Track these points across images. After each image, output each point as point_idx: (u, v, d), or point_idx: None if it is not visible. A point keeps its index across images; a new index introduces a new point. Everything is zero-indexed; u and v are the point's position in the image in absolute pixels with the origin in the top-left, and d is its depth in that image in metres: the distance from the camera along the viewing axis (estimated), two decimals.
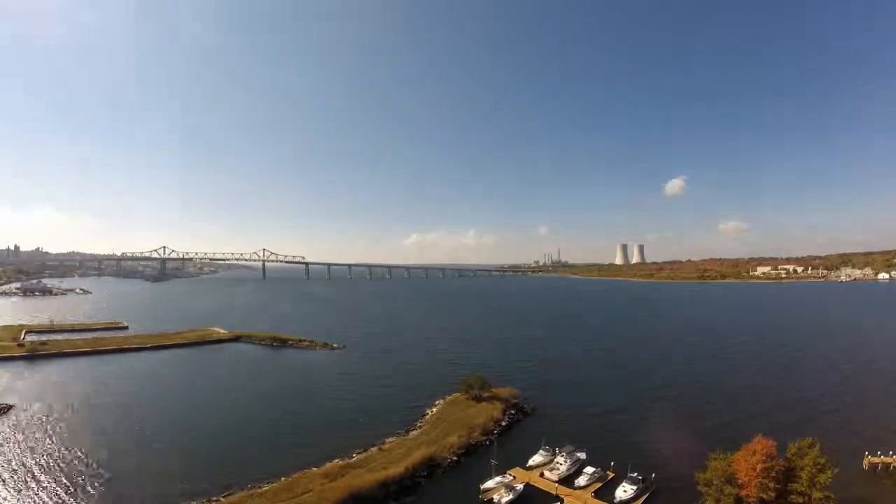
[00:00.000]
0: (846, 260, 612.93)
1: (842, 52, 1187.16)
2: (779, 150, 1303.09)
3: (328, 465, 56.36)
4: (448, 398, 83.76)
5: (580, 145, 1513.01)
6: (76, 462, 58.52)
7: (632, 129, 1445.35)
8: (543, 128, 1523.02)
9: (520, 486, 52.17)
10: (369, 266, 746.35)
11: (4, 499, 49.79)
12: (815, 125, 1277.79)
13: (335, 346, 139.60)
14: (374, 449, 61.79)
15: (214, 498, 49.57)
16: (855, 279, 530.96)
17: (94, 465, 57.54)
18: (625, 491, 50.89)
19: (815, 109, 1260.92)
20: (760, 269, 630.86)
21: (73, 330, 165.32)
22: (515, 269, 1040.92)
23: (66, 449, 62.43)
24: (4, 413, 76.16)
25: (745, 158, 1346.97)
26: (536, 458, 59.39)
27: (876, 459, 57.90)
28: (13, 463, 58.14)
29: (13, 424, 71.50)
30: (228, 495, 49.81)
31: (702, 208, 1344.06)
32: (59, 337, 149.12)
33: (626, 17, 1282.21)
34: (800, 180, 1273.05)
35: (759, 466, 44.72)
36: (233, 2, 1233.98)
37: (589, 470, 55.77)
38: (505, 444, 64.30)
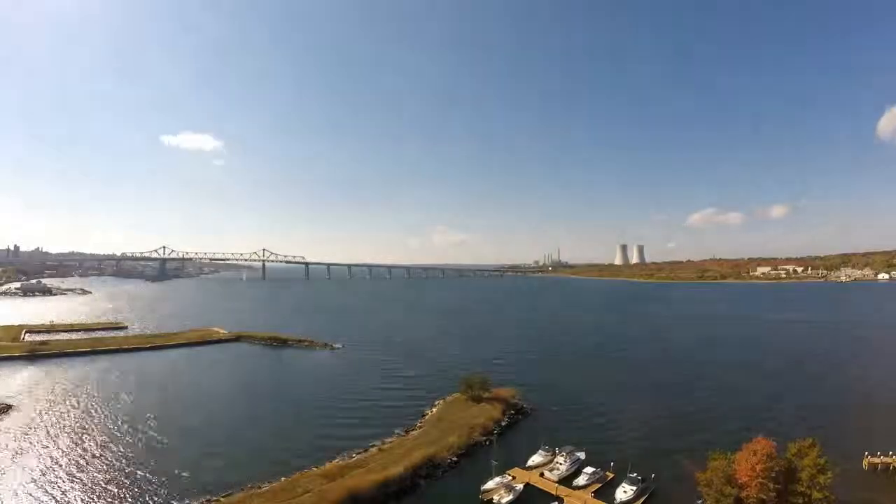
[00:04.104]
0: (846, 260, 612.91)
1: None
2: (781, 149, 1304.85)
3: (328, 465, 56.35)
4: (448, 398, 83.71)
5: (581, 145, 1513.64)
6: (75, 462, 58.49)
7: (631, 131, 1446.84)
8: (545, 129, 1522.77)
9: (519, 487, 52.13)
10: (369, 266, 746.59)
11: (4, 499, 49.73)
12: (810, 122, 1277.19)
13: (335, 346, 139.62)
14: (374, 449, 61.75)
15: (214, 498, 49.52)
16: (855, 279, 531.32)
17: (93, 465, 57.57)
18: (624, 491, 50.79)
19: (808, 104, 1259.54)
20: (760, 270, 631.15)
21: (72, 330, 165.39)
22: (515, 269, 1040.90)
23: (65, 449, 62.42)
24: (4, 413, 76.18)
25: (745, 156, 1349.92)
26: (536, 459, 59.36)
27: (876, 459, 57.90)
28: (12, 463, 58.08)
29: (13, 424, 71.46)
30: (228, 495, 49.75)
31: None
32: (58, 337, 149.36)
33: (619, 18, 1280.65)
34: (799, 179, 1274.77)
35: (759, 467, 44.60)
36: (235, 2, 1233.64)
37: (588, 470, 55.70)
38: (505, 444, 64.19)
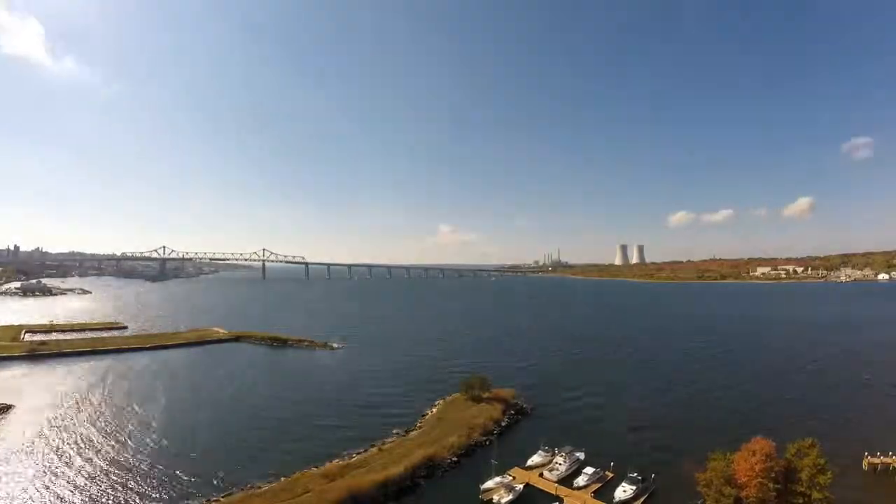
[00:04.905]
0: (846, 260, 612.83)
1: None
2: (782, 150, 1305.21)
3: (328, 465, 56.31)
4: (448, 398, 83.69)
5: (581, 146, 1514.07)
6: (74, 462, 58.45)
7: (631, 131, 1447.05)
8: (544, 129, 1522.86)
9: (519, 487, 52.13)
10: (369, 266, 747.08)
11: (4, 499, 49.70)
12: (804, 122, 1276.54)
13: (335, 346, 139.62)
14: (373, 449, 61.73)
15: (214, 498, 49.52)
16: (855, 280, 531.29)
17: (93, 466, 57.55)
18: (624, 491, 50.84)
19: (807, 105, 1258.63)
20: (760, 270, 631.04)
21: (72, 330, 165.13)
22: (515, 269, 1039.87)
23: (64, 449, 62.36)
24: (3, 412, 76.12)
25: (746, 157, 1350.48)
26: (536, 459, 59.36)
27: (876, 460, 57.88)
28: (12, 462, 58.01)
29: (12, 424, 71.44)
30: (228, 495, 49.75)
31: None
32: (58, 337, 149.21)
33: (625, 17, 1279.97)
34: (799, 180, 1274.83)
35: (758, 467, 44.57)
36: (236, 3, 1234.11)
37: (588, 470, 55.73)
38: (505, 444, 64.29)
